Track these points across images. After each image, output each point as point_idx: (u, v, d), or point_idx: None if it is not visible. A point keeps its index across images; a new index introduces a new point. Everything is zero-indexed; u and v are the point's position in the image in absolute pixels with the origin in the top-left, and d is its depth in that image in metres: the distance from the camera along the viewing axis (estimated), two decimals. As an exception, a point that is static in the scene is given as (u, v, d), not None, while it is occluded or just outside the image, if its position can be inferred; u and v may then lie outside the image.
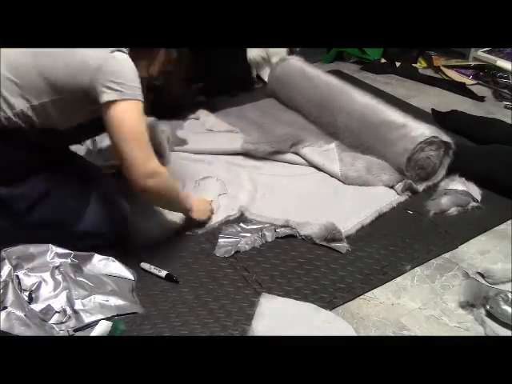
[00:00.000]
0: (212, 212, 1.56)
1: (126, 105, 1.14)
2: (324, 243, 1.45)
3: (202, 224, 1.52)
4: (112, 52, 1.14)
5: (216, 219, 1.55)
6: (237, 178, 1.76)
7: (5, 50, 1.14)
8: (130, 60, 1.17)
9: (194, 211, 1.47)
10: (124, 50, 1.17)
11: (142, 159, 1.18)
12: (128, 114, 1.15)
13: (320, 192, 1.69)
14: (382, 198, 1.65)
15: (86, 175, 1.40)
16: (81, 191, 1.35)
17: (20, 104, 1.16)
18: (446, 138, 1.68)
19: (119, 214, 1.40)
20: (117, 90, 1.13)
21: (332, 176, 1.75)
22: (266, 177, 1.78)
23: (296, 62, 2.26)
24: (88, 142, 1.69)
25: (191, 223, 1.50)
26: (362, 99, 1.90)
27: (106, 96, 1.13)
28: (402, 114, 1.78)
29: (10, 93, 1.15)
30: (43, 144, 1.23)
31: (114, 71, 1.13)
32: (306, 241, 1.47)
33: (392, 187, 1.69)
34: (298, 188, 1.71)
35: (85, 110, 1.22)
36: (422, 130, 1.66)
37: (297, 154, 1.84)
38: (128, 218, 1.42)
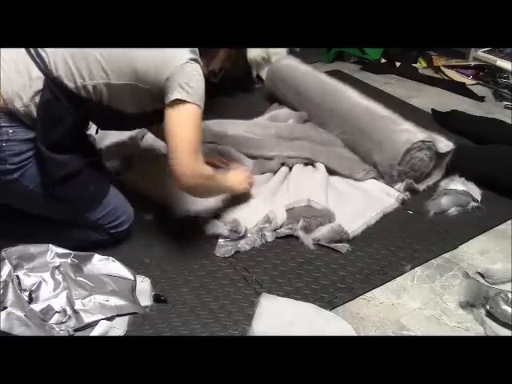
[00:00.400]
0: (249, 178, 1.61)
1: (191, 107, 1.22)
2: (325, 243, 1.45)
3: (247, 195, 1.59)
4: (192, 59, 1.22)
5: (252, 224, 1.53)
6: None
7: None
8: (201, 70, 1.25)
9: (235, 188, 1.54)
10: (199, 59, 1.25)
11: (190, 161, 1.24)
12: (189, 117, 1.23)
13: (324, 193, 1.67)
14: (384, 197, 1.65)
15: (104, 169, 1.50)
16: (102, 181, 1.41)
17: (99, 77, 1.23)
18: (436, 141, 1.68)
19: (125, 212, 1.44)
20: (187, 92, 1.21)
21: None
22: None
23: (291, 62, 2.26)
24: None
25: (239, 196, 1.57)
26: (355, 99, 1.90)
27: (178, 94, 1.20)
28: (395, 116, 1.78)
29: (93, 65, 1.22)
30: (101, 122, 1.38)
31: (190, 75, 1.22)
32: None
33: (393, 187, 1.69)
34: (301, 190, 1.68)
35: (151, 101, 1.30)
36: (408, 136, 1.66)
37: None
38: (132, 216, 1.46)
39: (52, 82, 1.20)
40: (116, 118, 1.35)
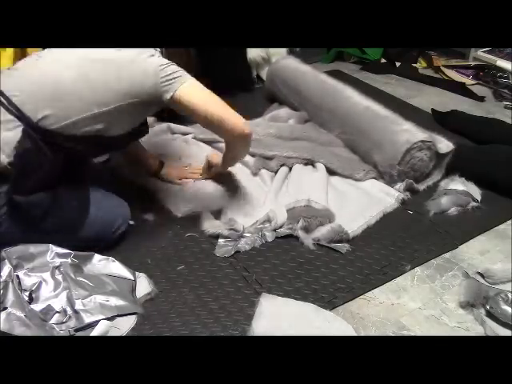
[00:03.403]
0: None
1: (188, 85, 1.27)
2: (325, 243, 1.45)
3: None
4: (149, 56, 1.26)
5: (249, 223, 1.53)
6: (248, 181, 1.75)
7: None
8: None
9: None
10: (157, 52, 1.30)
11: (236, 116, 1.34)
12: (197, 90, 1.30)
13: (324, 193, 1.67)
14: (384, 197, 1.65)
15: (91, 176, 1.47)
16: (83, 196, 1.37)
17: (84, 111, 1.22)
18: (436, 142, 1.68)
19: (120, 213, 1.42)
20: (174, 79, 1.25)
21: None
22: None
23: (291, 62, 2.26)
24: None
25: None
26: (355, 99, 1.90)
27: (172, 87, 1.25)
28: (395, 116, 1.78)
29: (76, 102, 1.21)
30: (76, 155, 1.31)
31: (164, 68, 1.25)
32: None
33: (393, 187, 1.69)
34: (301, 190, 1.68)
35: (144, 113, 1.36)
36: (408, 136, 1.65)
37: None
38: (128, 217, 1.44)
39: (32, 130, 1.18)
40: (98, 146, 1.33)
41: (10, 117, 1.18)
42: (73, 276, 1.24)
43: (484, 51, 2.73)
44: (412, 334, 1.20)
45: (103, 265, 1.31)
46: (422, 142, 1.64)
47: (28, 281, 1.21)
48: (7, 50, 1.76)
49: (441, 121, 2.15)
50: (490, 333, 1.19)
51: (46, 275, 1.22)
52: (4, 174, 1.18)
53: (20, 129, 1.18)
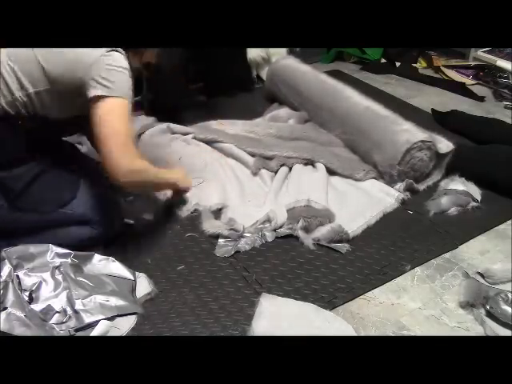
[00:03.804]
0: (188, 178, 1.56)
1: (113, 101, 1.16)
2: (325, 243, 1.45)
3: (185, 191, 1.55)
4: (108, 51, 1.17)
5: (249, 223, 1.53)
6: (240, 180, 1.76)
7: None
8: (124, 60, 1.20)
9: (178, 183, 1.48)
10: (120, 50, 1.19)
11: (120, 158, 1.18)
12: (113, 112, 1.17)
13: (324, 193, 1.67)
14: (384, 197, 1.65)
15: (79, 163, 1.45)
16: (71, 176, 1.37)
17: (17, 91, 1.20)
18: (435, 141, 1.68)
19: (110, 205, 1.41)
20: (105, 86, 1.15)
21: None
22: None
23: (291, 62, 2.26)
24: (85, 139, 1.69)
25: (178, 194, 1.55)
26: (355, 99, 1.90)
27: (94, 91, 1.15)
28: (395, 116, 1.78)
29: (10, 79, 1.19)
30: (38, 131, 1.26)
31: (107, 69, 1.16)
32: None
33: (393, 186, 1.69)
34: (301, 190, 1.67)
35: (77, 103, 1.23)
36: (408, 136, 1.66)
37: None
38: (120, 211, 1.44)
39: None
40: (51, 125, 1.29)
41: None
42: (73, 276, 1.24)
43: (484, 51, 2.73)
44: (412, 333, 1.20)
45: (103, 265, 1.31)
46: (422, 141, 1.64)
47: (28, 281, 1.21)
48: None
49: (441, 121, 2.15)
50: (490, 333, 1.19)
51: (46, 275, 1.22)
52: None
53: None
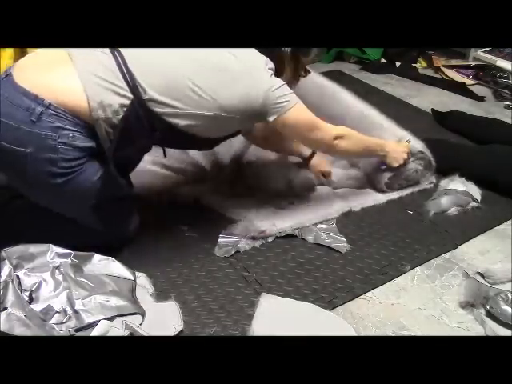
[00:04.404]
0: (408, 156, 1.62)
1: (293, 111, 1.31)
2: (324, 243, 1.45)
3: (398, 167, 1.62)
4: (268, 65, 1.29)
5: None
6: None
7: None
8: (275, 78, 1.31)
9: (388, 157, 1.59)
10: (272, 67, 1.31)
11: (325, 135, 1.39)
12: (300, 115, 1.34)
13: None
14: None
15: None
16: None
17: (190, 107, 1.23)
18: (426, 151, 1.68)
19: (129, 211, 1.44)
20: (282, 104, 1.29)
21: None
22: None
23: None
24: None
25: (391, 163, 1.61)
26: (351, 104, 1.86)
27: (277, 113, 1.29)
28: (390, 123, 1.75)
29: (185, 95, 1.22)
30: (173, 145, 1.42)
31: (277, 93, 1.28)
32: (306, 240, 1.47)
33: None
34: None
35: (243, 125, 1.40)
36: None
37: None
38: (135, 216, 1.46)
39: (139, 105, 1.19)
40: (192, 142, 1.35)
41: (122, 83, 1.18)
42: (73, 276, 1.24)
43: (484, 51, 2.73)
44: (412, 334, 1.20)
45: (103, 265, 1.31)
46: (414, 154, 1.63)
47: (28, 281, 1.21)
48: (7, 50, 1.76)
49: (441, 121, 2.15)
50: (490, 333, 1.19)
51: (46, 275, 1.22)
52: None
53: (126, 98, 1.18)
